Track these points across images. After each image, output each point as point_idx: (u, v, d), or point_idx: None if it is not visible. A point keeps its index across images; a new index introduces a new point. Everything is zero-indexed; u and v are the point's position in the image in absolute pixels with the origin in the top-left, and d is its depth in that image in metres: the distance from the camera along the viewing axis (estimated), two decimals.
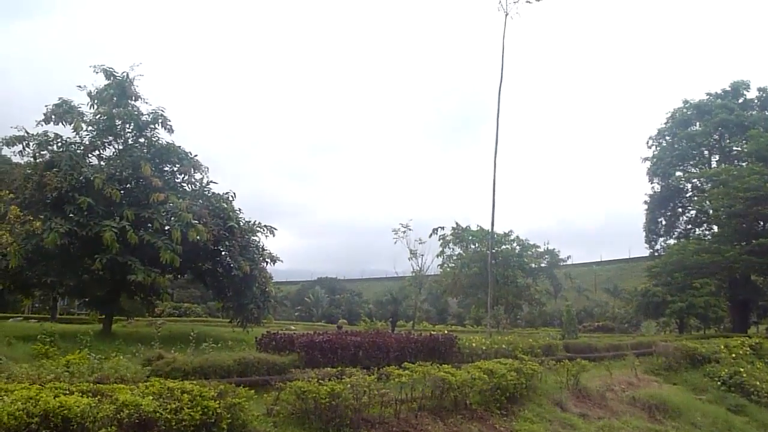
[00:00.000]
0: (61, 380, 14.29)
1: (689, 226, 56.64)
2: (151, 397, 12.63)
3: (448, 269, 51.13)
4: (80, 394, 11.94)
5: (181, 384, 13.87)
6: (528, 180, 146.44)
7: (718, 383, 28.12)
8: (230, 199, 34.13)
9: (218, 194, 33.93)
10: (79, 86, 32.70)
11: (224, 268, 31.83)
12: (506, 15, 39.78)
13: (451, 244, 50.69)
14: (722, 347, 32.39)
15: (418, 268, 50.57)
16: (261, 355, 20.47)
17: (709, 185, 50.95)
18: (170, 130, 33.24)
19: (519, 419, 19.15)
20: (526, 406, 20.23)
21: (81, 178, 29.34)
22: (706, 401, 25.94)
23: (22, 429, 10.25)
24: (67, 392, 11.91)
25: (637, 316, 52.53)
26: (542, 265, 51.03)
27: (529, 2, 38.87)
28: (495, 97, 38.91)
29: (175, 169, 33.45)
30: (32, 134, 31.26)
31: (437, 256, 51.44)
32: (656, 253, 55.11)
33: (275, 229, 35.24)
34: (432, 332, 31.75)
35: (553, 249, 51.46)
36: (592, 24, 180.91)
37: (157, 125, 32.82)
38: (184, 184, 33.72)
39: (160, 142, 32.92)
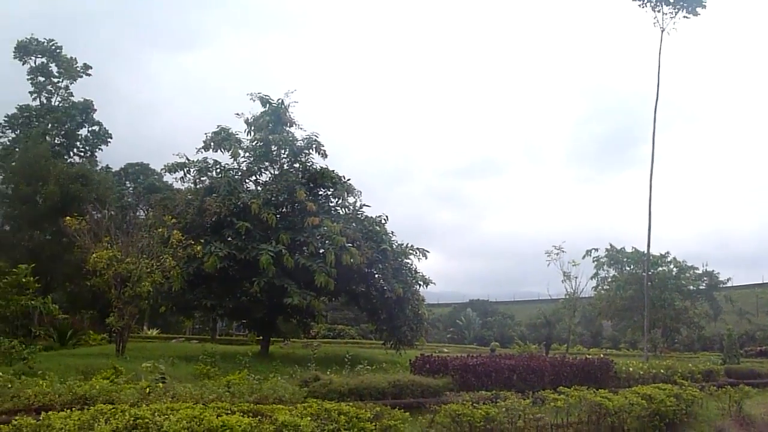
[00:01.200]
0: (222, 400, 14.74)
1: None
2: (309, 418, 12.51)
3: (603, 291, 50.42)
4: (241, 414, 12.00)
5: (338, 405, 13.90)
6: (685, 200, 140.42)
7: None
8: (383, 222, 33.93)
9: (371, 217, 33.85)
10: (237, 114, 33.51)
11: (377, 290, 31.56)
12: (662, 31, 38.38)
13: (605, 266, 50.05)
14: None
15: (572, 291, 49.46)
16: (415, 377, 20.47)
17: None
18: (324, 155, 33.33)
19: None
20: None
21: (239, 203, 30.15)
22: None
23: None
24: (229, 412, 12.03)
25: None
26: (701, 287, 49.53)
27: (687, 17, 37.22)
28: (649, 115, 37.55)
29: (329, 193, 33.77)
30: (192, 161, 32.46)
31: (591, 278, 50.67)
32: None
33: (427, 251, 34.85)
34: (587, 356, 30.98)
35: (712, 271, 50.37)
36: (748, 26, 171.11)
37: (311, 150, 33.06)
38: (338, 208, 33.92)
39: (315, 167, 33.14)
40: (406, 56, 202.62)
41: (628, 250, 48.56)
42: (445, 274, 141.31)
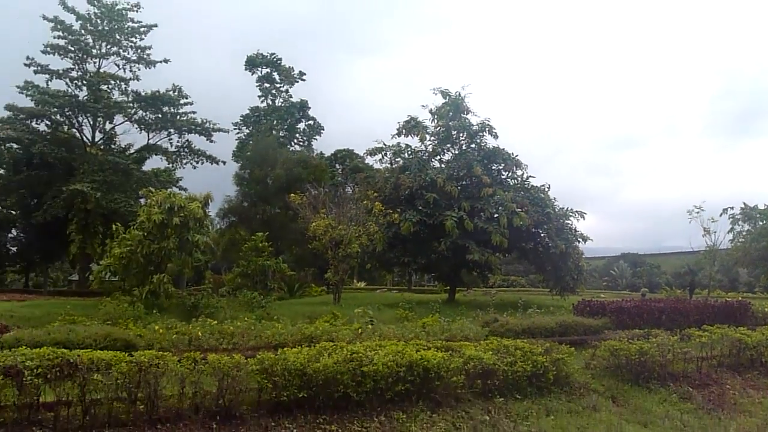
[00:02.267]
0: (419, 338, 16.13)
1: None
2: (490, 352, 14.02)
3: (738, 244, 50.10)
4: (435, 349, 13.43)
5: (514, 342, 15.23)
6: None
7: None
8: (546, 190, 35.30)
9: (536, 186, 35.37)
10: (423, 105, 36.26)
11: (543, 247, 33.28)
12: None
13: (740, 222, 49.57)
14: None
15: (711, 243, 49.82)
16: (578, 318, 21.59)
17: None
18: (495, 136, 35.49)
19: None
20: None
21: (427, 178, 32.93)
22: None
23: (392, 375, 11.87)
24: (425, 347, 13.50)
25: None
26: None
27: None
28: None
29: (501, 167, 35.57)
30: (388, 146, 36.04)
31: (728, 232, 50.39)
32: None
33: (585, 213, 35.51)
34: (726, 299, 30.83)
35: None
36: None
37: (484, 133, 35.26)
38: (508, 180, 35.56)
39: (488, 146, 35.31)
40: (559, 46, 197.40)
41: (761, 207, 48.89)
42: (599, 232, 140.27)
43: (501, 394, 13.40)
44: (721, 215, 49.70)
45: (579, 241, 34.86)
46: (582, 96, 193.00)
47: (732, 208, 49.70)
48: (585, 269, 37.21)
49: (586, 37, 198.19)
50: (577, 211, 35.30)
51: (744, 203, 49.63)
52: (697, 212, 50.44)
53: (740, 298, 31.78)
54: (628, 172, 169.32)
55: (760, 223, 48.16)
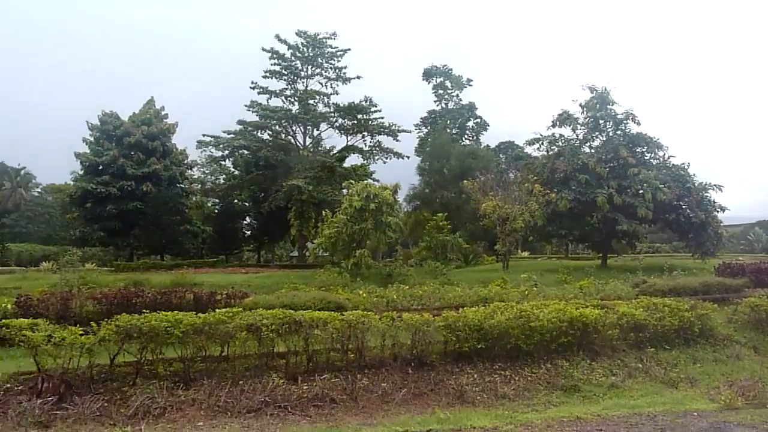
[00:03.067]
0: (578, 298, 16.33)
1: None
2: (641, 309, 14.19)
3: None
4: (592, 307, 13.58)
5: (661, 300, 15.33)
6: None
7: None
8: (686, 167, 36.71)
9: (677, 165, 36.66)
10: (573, 100, 39.25)
11: (685, 217, 34.81)
12: None
13: None
14: None
15: None
16: (719, 278, 21.71)
17: None
18: (638, 123, 36.97)
19: None
20: None
21: (579, 162, 35.16)
22: None
23: (556, 329, 12.31)
24: (583, 306, 13.65)
25: None
26: None
27: None
28: None
29: (644, 150, 37.00)
30: (545, 136, 38.55)
31: None
32: None
33: (722, 186, 36.42)
34: None
35: None
36: None
37: (628, 121, 36.80)
38: (650, 160, 36.85)
39: (631, 132, 36.87)
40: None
41: None
42: (736, 202, 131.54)
43: (651, 345, 13.61)
44: None
45: (717, 211, 35.73)
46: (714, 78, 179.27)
47: None
48: (723, 235, 37.71)
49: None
50: (715, 185, 35.95)
51: None
52: None
53: None
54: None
55: None
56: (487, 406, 10.01)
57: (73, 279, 26.09)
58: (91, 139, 52.73)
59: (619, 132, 37.27)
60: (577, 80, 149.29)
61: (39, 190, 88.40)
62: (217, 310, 11.43)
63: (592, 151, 37.24)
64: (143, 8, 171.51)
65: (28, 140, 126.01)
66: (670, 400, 10.59)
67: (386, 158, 51.18)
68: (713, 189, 36.22)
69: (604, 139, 37.45)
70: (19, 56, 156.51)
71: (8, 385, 9.67)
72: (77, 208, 54.12)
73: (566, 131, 38.37)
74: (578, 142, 37.97)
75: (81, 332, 9.96)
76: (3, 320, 11.24)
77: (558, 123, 38.26)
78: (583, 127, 37.96)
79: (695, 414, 9.43)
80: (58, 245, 61.68)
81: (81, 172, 52.65)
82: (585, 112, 37.69)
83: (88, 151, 52.15)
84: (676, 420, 8.97)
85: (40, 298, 15.20)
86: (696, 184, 35.92)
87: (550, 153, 38.08)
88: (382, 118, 49.76)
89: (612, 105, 37.18)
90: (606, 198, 33.52)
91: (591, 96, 37.47)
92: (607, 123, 37.37)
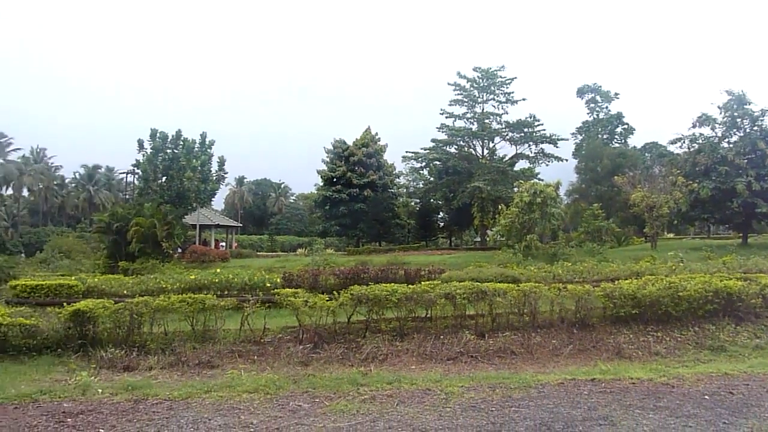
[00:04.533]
0: (721, 272, 14.88)
1: None
2: None
3: None
4: (735, 279, 12.34)
5: None
6: None
7: None
8: None
9: None
10: (712, 103, 37.81)
11: None
12: None
13: None
14: None
15: None
16: None
17: None
18: None
19: None
20: None
21: (718, 156, 32.79)
22: None
23: (702, 298, 11.30)
24: (728, 278, 12.50)
25: None
26: None
27: None
28: None
29: None
30: (685, 135, 36.10)
31: None
32: None
33: None
34: None
35: None
36: None
37: (764, 117, 33.51)
38: None
39: (766, 127, 33.46)
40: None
41: None
42: None
43: None
44: None
45: None
46: None
47: None
48: None
49: None
50: None
51: None
52: None
53: None
54: None
55: None
56: (642, 361, 9.45)
57: (319, 260, 28.52)
58: (327, 159, 57.00)
59: (756, 128, 33.90)
60: (709, 86, 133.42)
61: (293, 197, 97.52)
62: (422, 283, 11.69)
63: (731, 145, 34.16)
64: (368, 59, 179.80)
65: (285, 161, 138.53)
66: None
67: (548, 162, 50.01)
68: None
69: (742, 134, 34.30)
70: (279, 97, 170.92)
71: (280, 335, 10.70)
72: (320, 210, 58.52)
73: (705, 130, 35.79)
74: (717, 139, 35.12)
75: (327, 299, 10.81)
76: (275, 290, 12.69)
77: (698, 124, 35.76)
78: (721, 126, 35.04)
79: None
80: (308, 236, 67.52)
81: (321, 183, 57.08)
82: (723, 113, 34.89)
83: (325, 168, 56.50)
84: None
85: (298, 274, 16.36)
86: None
87: (691, 150, 35.62)
88: (544, 129, 48.85)
89: (748, 104, 34.09)
90: (745, 185, 31.11)
91: (728, 98, 34.68)
92: (744, 120, 34.25)
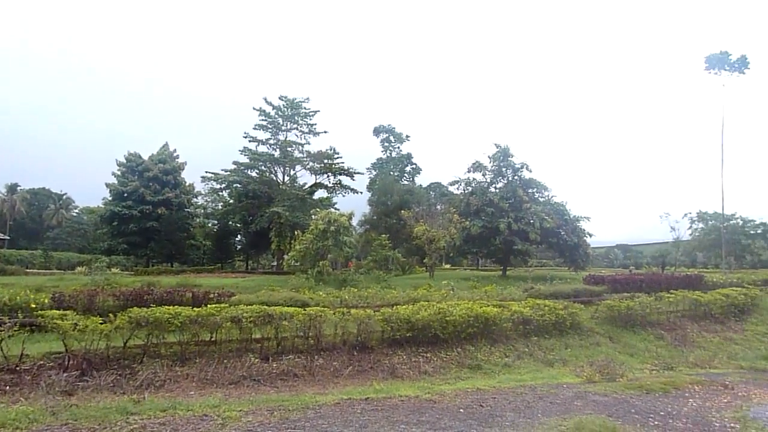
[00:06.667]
0: (482, 299, 16.17)
1: None
2: (528, 308, 14.31)
3: (696, 236, 52.05)
4: (492, 306, 13.59)
5: (543, 301, 15.49)
6: (749, 176, 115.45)
7: None
8: (564, 203, 37.28)
9: (557, 202, 37.54)
10: (483, 153, 40.38)
11: (563, 240, 35.10)
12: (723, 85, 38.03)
13: (696, 222, 51.68)
14: None
15: (677, 236, 52.76)
16: (586, 286, 21.77)
17: None
18: (530, 170, 37.68)
19: (747, 323, 18.81)
20: (752, 315, 19.62)
21: (487, 199, 35.50)
22: None
23: (465, 322, 12.31)
24: (486, 305, 13.66)
25: None
26: (758, 231, 48.31)
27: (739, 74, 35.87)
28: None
29: (534, 190, 37.64)
30: (461, 179, 38.86)
31: (687, 229, 53.22)
32: None
33: (589, 217, 37.71)
34: (687, 273, 28.93)
35: (765, 222, 48.68)
36: None
37: (523, 169, 37.53)
38: (539, 198, 37.46)
39: (525, 177, 37.51)
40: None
41: (711, 212, 50.60)
42: (601, 230, 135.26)
43: (535, 335, 13.75)
44: (683, 217, 52.99)
45: (587, 236, 36.35)
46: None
47: (690, 212, 52.95)
48: (591, 254, 38.13)
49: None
50: (584, 217, 36.95)
51: (699, 210, 52.35)
52: (665, 216, 55.03)
53: (696, 272, 29.81)
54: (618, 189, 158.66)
55: (711, 222, 49.84)
56: (412, 380, 10.09)
57: (100, 280, 25.07)
58: (119, 172, 51.90)
59: (516, 177, 37.73)
60: (485, 135, 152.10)
61: (77, 211, 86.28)
62: (209, 306, 11.25)
63: (497, 190, 37.49)
64: (174, 74, 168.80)
65: (69, 171, 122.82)
66: (547, 376, 10.88)
67: (345, 193, 50.82)
68: (584, 220, 37.15)
69: (505, 182, 37.82)
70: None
71: (41, 362, 9.49)
72: (106, 226, 52.64)
73: (478, 175, 38.71)
74: (487, 183, 38.27)
75: (101, 321, 9.93)
76: (40, 311, 11.05)
77: (472, 169, 38.73)
78: (490, 173, 38.28)
79: (565, 386, 9.77)
80: (92, 254, 59.86)
81: (110, 198, 51.82)
82: (492, 162, 38.14)
83: (116, 181, 51.36)
84: (550, 390, 9.24)
85: (71, 295, 14.39)
86: (571, 216, 36.63)
87: (466, 191, 38.29)
88: (343, 162, 49.63)
89: (511, 157, 37.80)
90: (506, 225, 33.86)
91: (496, 150, 38.04)
92: (507, 170, 37.86)
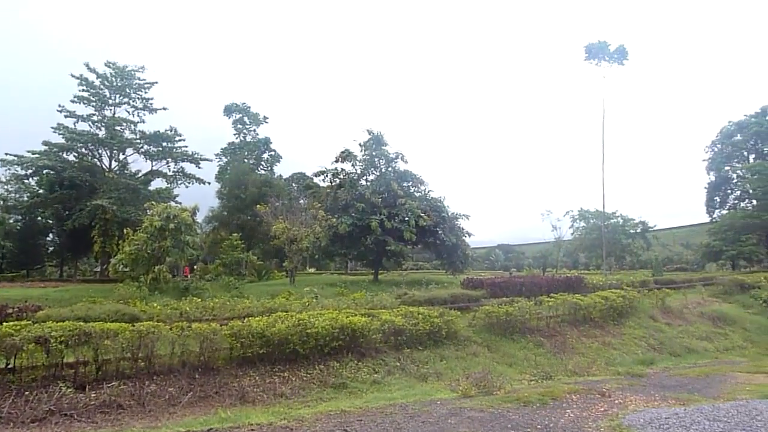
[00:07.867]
0: (350, 308, 15.67)
1: (736, 201, 53.05)
2: (400, 317, 14.01)
3: (577, 236, 53.06)
4: (361, 315, 13.23)
5: (417, 308, 15.31)
6: (628, 174, 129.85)
7: (761, 302, 25.54)
8: (442, 199, 35.91)
9: (435, 198, 35.81)
10: (354, 140, 37.18)
11: (440, 240, 33.60)
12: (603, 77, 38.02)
13: (578, 220, 52.40)
14: (762, 278, 29.58)
15: (558, 236, 53.41)
16: (464, 290, 21.52)
17: (749, 174, 47.77)
18: (405, 162, 36.03)
19: (625, 326, 19.34)
20: (630, 319, 20.22)
21: (357, 192, 33.16)
22: (753, 313, 24.12)
23: (329, 335, 11.79)
24: (354, 314, 13.25)
25: (702, 260, 50.58)
26: (638, 230, 50.68)
27: (619, 65, 36.32)
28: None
29: (410, 184, 35.82)
30: (329, 169, 35.73)
31: (569, 228, 53.40)
32: (714, 220, 52.33)
33: (469, 215, 36.40)
34: (568, 275, 31.25)
35: (645, 221, 51.35)
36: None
37: (398, 159, 35.64)
38: (415, 193, 35.76)
39: (400, 169, 35.58)
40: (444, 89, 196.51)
41: (592, 210, 50.99)
42: (482, 228, 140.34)
43: (408, 347, 13.45)
44: (564, 215, 53.08)
45: (466, 236, 35.45)
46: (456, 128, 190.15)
47: (572, 210, 52.70)
48: (470, 256, 37.59)
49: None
50: (464, 215, 35.94)
51: (581, 207, 52.18)
52: (547, 214, 54.44)
53: (577, 274, 31.87)
54: (502, 186, 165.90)
55: (592, 221, 50.35)
56: (266, 405, 9.50)
57: None
58: None
59: (390, 168, 35.69)
60: (357, 122, 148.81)
61: None
62: (5, 323, 9.97)
63: (368, 183, 35.07)
64: None
65: None
66: (420, 392, 10.48)
67: (189, 183, 44.17)
68: (463, 218, 35.93)
69: (378, 174, 35.59)
70: None
71: None
72: None
73: (348, 166, 35.95)
74: (357, 175, 35.63)
75: None
76: None
77: (341, 159, 35.68)
78: (361, 163, 35.74)
79: (439, 402, 9.24)
80: None
81: None
82: (363, 151, 35.75)
83: None
84: (423, 408, 8.69)
85: None
86: (450, 214, 35.11)
87: (333, 184, 35.37)
88: (186, 146, 42.97)
89: (385, 146, 35.75)
90: (378, 223, 31.63)
91: (369, 137, 35.68)
92: (381, 160, 35.73)
